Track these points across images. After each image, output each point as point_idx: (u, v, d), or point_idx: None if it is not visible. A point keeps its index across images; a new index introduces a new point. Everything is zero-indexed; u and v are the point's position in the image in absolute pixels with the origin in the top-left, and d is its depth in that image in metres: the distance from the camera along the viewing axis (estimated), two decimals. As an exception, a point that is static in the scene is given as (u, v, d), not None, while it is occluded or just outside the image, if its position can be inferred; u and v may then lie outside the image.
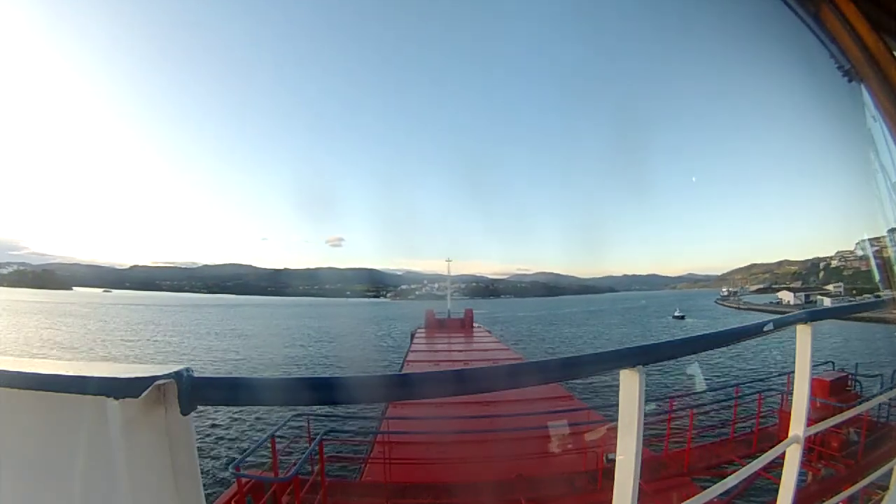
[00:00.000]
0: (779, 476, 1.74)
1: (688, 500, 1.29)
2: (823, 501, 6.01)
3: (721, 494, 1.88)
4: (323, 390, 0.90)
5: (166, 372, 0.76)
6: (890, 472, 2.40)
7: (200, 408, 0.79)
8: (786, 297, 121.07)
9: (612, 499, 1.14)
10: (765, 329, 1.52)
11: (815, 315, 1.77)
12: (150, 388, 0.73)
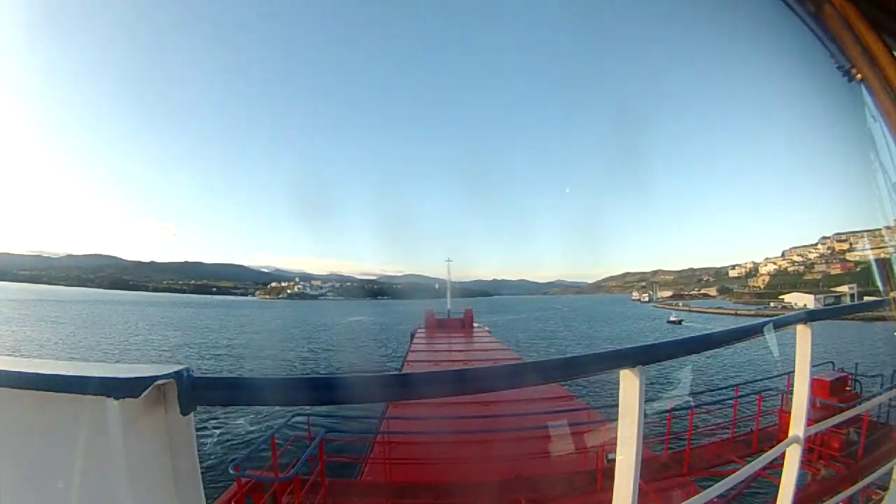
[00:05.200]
0: (779, 476, 1.74)
1: (688, 500, 1.29)
2: (823, 501, 6.01)
3: (721, 494, 1.89)
4: (323, 390, 0.90)
5: (166, 372, 0.76)
6: (890, 472, 2.40)
7: (200, 408, 0.79)
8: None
9: (612, 499, 1.14)
10: (764, 329, 1.52)
11: (814, 315, 1.77)
12: (150, 388, 0.73)
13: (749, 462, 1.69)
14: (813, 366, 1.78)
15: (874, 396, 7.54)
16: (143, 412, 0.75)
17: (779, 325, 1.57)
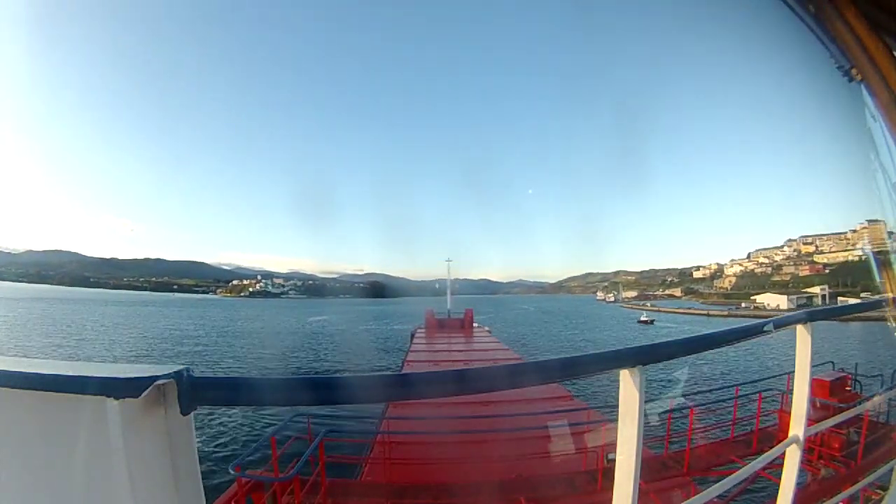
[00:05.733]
0: (779, 476, 1.74)
1: (688, 500, 1.29)
2: (823, 501, 6.02)
3: (721, 494, 1.89)
4: (323, 390, 0.90)
5: (166, 372, 0.76)
6: (890, 472, 2.40)
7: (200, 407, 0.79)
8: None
9: (612, 499, 1.14)
10: (764, 329, 1.52)
11: (814, 315, 1.77)
12: (150, 388, 0.73)
13: (749, 462, 1.69)
14: (813, 366, 1.78)
15: (874, 396, 7.55)
16: (143, 412, 0.75)
17: (779, 325, 1.57)
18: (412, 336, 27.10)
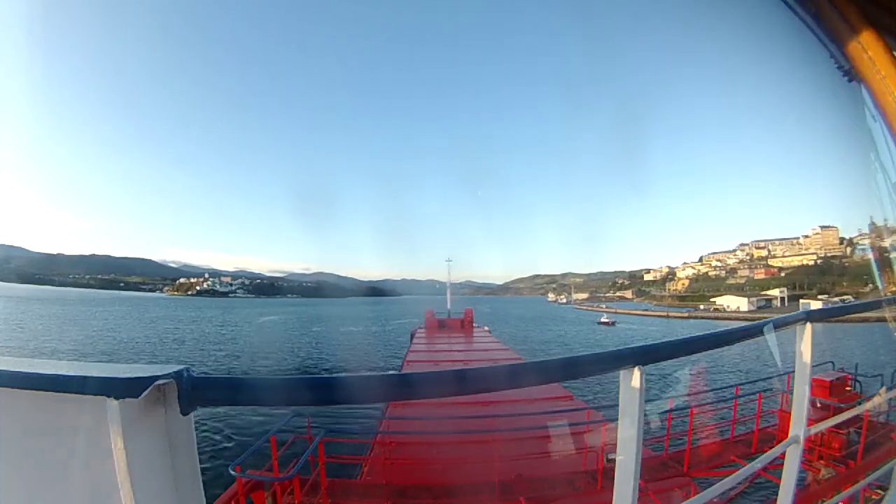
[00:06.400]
0: (779, 476, 1.74)
1: (688, 500, 1.30)
2: (823, 501, 6.02)
3: (721, 494, 1.89)
4: (323, 390, 0.90)
5: (166, 372, 0.76)
6: (890, 472, 2.40)
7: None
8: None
9: (612, 499, 1.14)
10: (765, 329, 1.52)
11: (814, 315, 1.77)
12: (150, 388, 0.73)
13: (749, 462, 1.70)
14: (813, 366, 1.78)
15: (874, 396, 7.54)
16: (143, 412, 0.75)
17: (779, 325, 1.58)
18: (412, 336, 27.12)
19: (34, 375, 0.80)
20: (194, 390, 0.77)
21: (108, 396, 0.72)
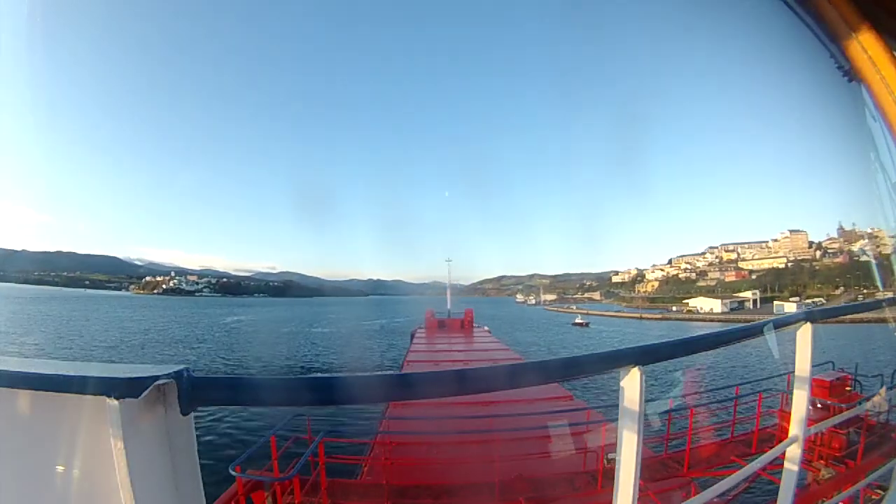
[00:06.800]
0: (779, 476, 1.74)
1: (688, 500, 1.30)
2: (823, 501, 6.02)
3: (721, 494, 1.89)
4: (323, 390, 0.90)
5: (166, 372, 0.76)
6: (890, 472, 2.41)
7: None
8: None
9: (612, 499, 1.15)
10: (765, 329, 1.52)
11: (815, 315, 1.77)
12: (150, 388, 0.73)
13: (749, 462, 1.70)
14: (813, 366, 1.78)
15: (874, 396, 7.55)
16: (143, 412, 0.75)
17: (779, 325, 1.58)
18: (412, 336, 27.12)
19: (34, 375, 0.80)
20: (194, 390, 0.77)
21: (108, 396, 0.72)
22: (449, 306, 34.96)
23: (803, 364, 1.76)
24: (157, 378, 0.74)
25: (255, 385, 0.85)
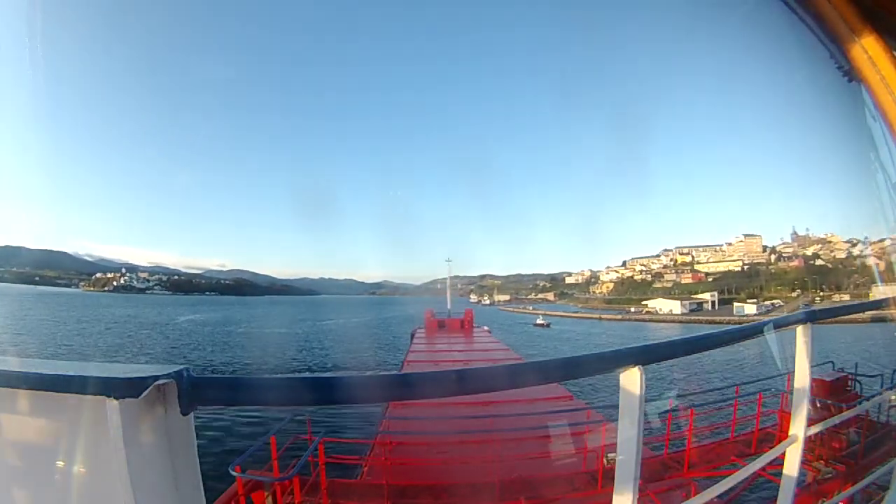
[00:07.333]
0: (779, 476, 1.74)
1: (688, 500, 1.30)
2: (823, 501, 6.01)
3: (721, 494, 1.89)
4: (323, 390, 0.90)
5: (166, 372, 0.76)
6: (890, 472, 2.41)
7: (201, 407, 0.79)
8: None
9: (612, 499, 1.14)
10: (764, 329, 1.52)
11: (814, 315, 1.77)
12: (150, 388, 0.73)
13: (749, 462, 1.70)
14: (813, 366, 1.78)
15: (874, 396, 7.54)
16: (143, 412, 0.75)
17: (779, 325, 1.58)
18: (412, 336, 27.14)
19: (34, 375, 0.80)
20: (194, 390, 0.77)
21: (108, 396, 0.72)
22: (449, 306, 34.98)
23: (803, 364, 1.76)
24: (156, 378, 0.74)
25: (255, 385, 0.85)
